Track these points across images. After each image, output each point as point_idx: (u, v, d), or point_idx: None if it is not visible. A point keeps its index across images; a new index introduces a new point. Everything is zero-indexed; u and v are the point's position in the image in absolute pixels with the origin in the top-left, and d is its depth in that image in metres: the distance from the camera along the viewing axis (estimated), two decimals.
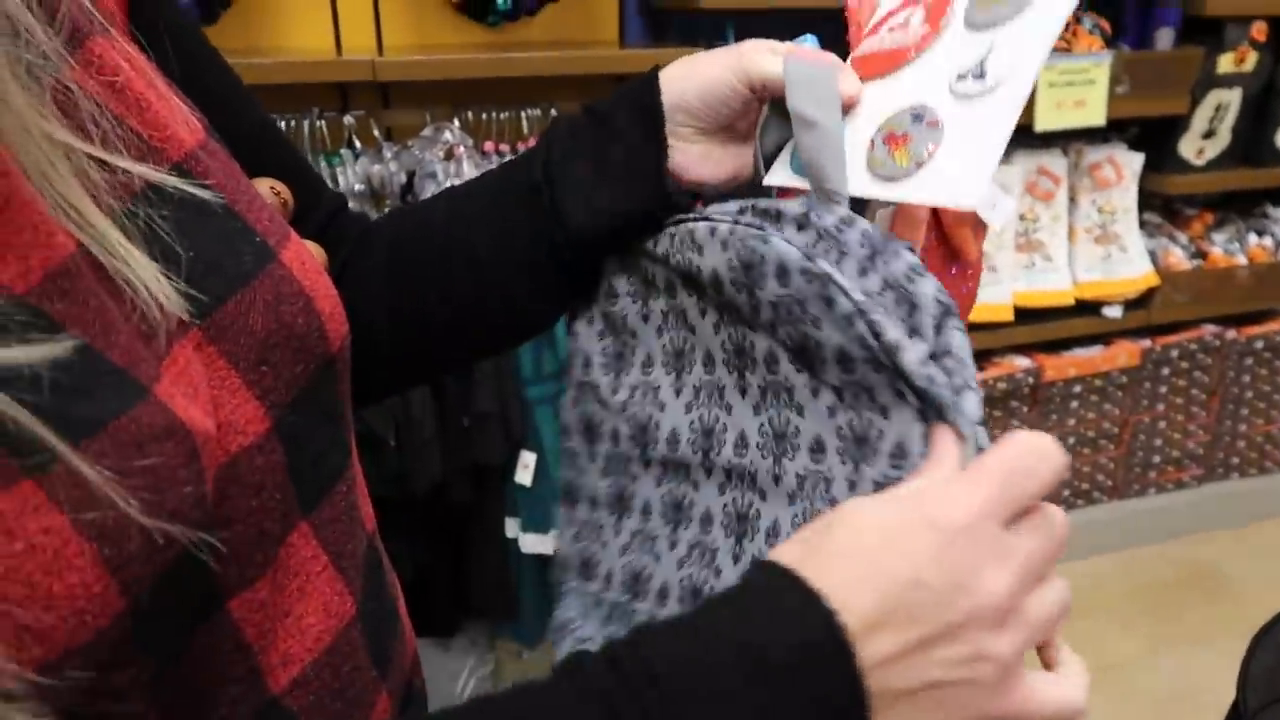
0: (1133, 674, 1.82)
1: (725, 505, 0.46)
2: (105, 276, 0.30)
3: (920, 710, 0.32)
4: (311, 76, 1.38)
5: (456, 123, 1.49)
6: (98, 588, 0.27)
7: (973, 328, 1.79)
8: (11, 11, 0.30)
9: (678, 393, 0.49)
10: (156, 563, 0.28)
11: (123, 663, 0.28)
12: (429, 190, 1.45)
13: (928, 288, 0.39)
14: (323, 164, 1.43)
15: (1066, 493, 2.10)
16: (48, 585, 0.26)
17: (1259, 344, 2.15)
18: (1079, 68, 1.75)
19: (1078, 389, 2.02)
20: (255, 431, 0.34)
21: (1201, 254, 2.11)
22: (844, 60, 0.50)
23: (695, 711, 0.31)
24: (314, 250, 0.48)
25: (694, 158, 0.49)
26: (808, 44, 0.52)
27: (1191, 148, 2.00)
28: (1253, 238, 2.15)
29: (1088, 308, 1.99)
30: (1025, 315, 1.94)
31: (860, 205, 0.46)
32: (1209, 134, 2.00)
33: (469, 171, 1.46)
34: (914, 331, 0.38)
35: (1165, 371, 2.10)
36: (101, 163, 0.32)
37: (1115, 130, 1.97)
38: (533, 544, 1.55)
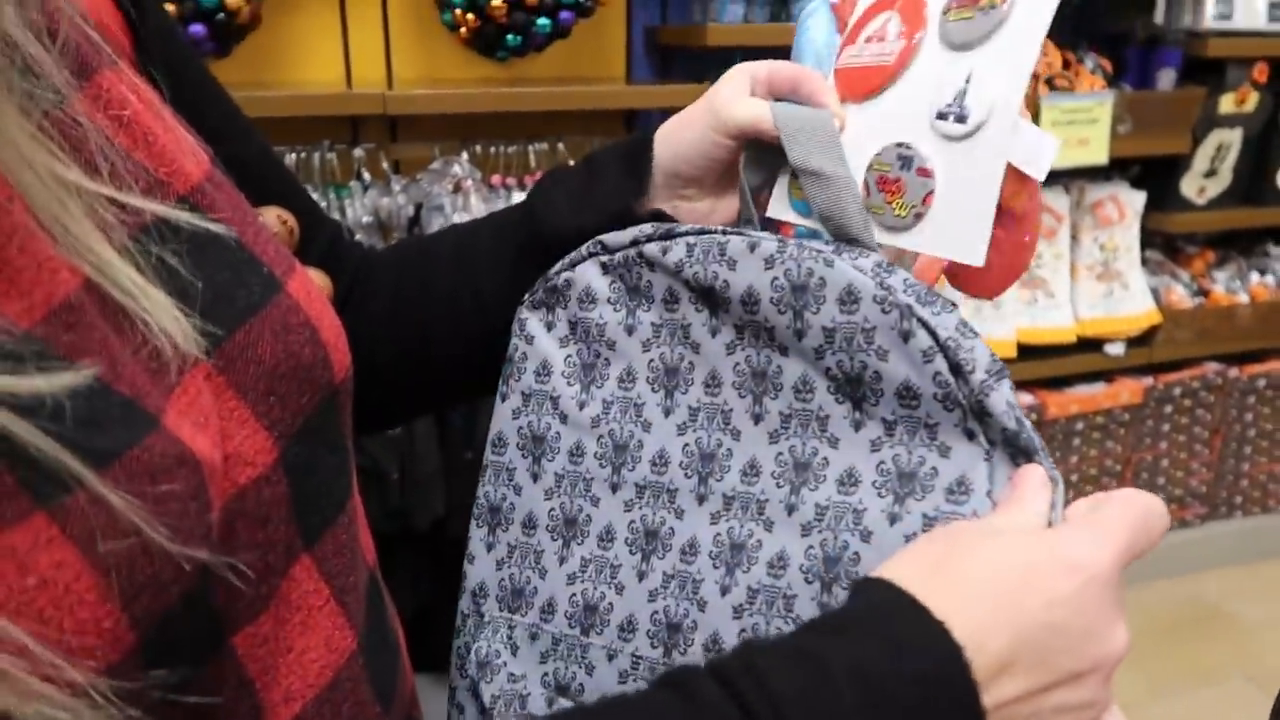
0: (1136, 713, 1.80)
1: (717, 534, 0.44)
2: (110, 310, 0.31)
3: None
4: (322, 110, 1.39)
5: (465, 156, 1.50)
6: (108, 623, 0.27)
7: None
8: (21, 45, 0.30)
9: (667, 413, 0.46)
10: (166, 598, 0.28)
11: (128, 699, 0.28)
12: (435, 223, 1.46)
13: (980, 346, 0.39)
14: (331, 196, 1.44)
15: None
16: (59, 620, 0.26)
17: (1261, 382, 2.15)
18: (1082, 107, 1.76)
19: (1080, 426, 2.02)
20: (263, 463, 0.34)
21: (1203, 292, 2.12)
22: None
23: None
24: (318, 278, 0.49)
25: (702, 213, 0.51)
26: (821, 12, 0.52)
27: (1193, 187, 2.01)
28: (1254, 276, 2.16)
29: (1090, 345, 1.99)
30: (1028, 352, 1.94)
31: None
32: (1211, 173, 2.01)
33: (476, 205, 1.47)
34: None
35: (1168, 409, 2.10)
36: (111, 198, 0.32)
37: (1117, 169, 1.99)
38: None
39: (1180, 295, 2.07)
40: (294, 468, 0.36)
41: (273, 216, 0.47)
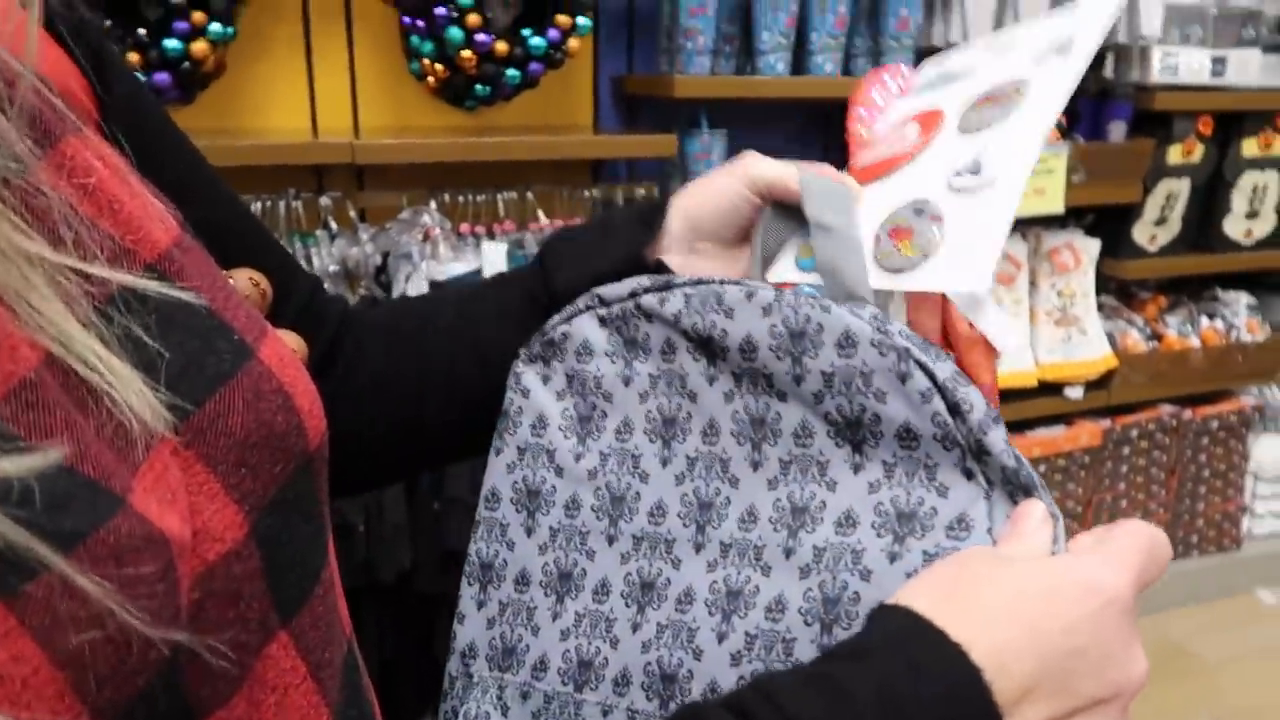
0: None
1: (714, 582, 0.44)
2: (73, 386, 0.29)
3: None
4: (289, 159, 1.38)
5: (433, 205, 1.50)
6: (68, 718, 0.25)
7: None
8: None
9: (665, 463, 0.46)
10: (131, 687, 0.27)
11: None
12: (403, 272, 1.45)
13: (975, 394, 0.40)
14: (298, 244, 1.42)
15: None
16: (15, 716, 0.25)
17: (1214, 424, 2.20)
18: (1039, 158, 1.81)
19: (1042, 469, 2.05)
20: (233, 538, 0.33)
21: (1157, 336, 2.17)
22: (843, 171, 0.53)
23: None
24: (292, 341, 0.48)
25: (713, 271, 0.51)
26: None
27: (1145, 234, 2.07)
28: (1204, 320, 2.22)
29: (1050, 389, 2.03)
30: None
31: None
32: (1161, 221, 2.07)
33: (445, 254, 1.46)
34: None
35: (1125, 451, 2.13)
36: (75, 269, 0.31)
37: (1073, 217, 2.04)
38: None
39: (1135, 339, 2.12)
40: (266, 540, 0.35)
41: (244, 279, 0.46)
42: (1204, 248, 2.14)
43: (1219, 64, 1.96)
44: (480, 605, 0.50)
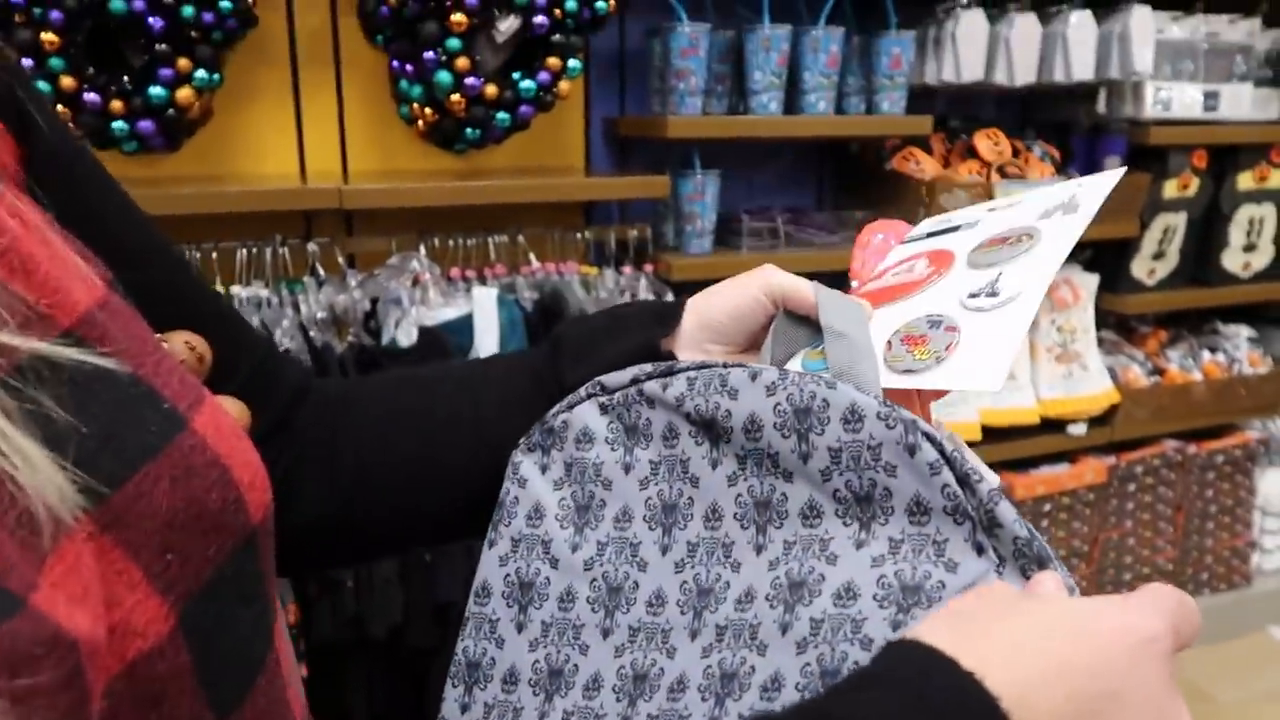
0: None
1: (708, 667, 0.42)
2: None
3: None
4: (276, 205, 1.36)
5: (423, 249, 1.47)
6: None
7: None
8: None
9: (664, 550, 0.45)
10: None
11: None
12: (393, 317, 1.42)
13: (988, 472, 0.39)
14: (284, 291, 1.40)
15: None
16: None
17: (1219, 458, 2.17)
18: None
19: (1047, 507, 2.01)
20: (156, 633, 0.30)
21: (1159, 370, 2.15)
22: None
23: None
24: (234, 409, 0.45)
25: None
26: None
27: (1143, 268, 2.05)
28: (1205, 354, 2.20)
29: (1052, 425, 2.00)
30: (992, 434, 1.94)
31: None
32: (1159, 255, 2.06)
33: (435, 298, 1.43)
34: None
35: (1131, 488, 2.10)
36: None
37: (1070, 252, 2.02)
38: None
39: (1137, 374, 2.10)
40: (197, 631, 0.32)
41: (179, 343, 0.43)
42: (1202, 281, 2.12)
43: (1211, 98, 1.95)
44: (464, 709, 0.48)
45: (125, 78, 1.26)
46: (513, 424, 0.51)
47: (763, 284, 0.51)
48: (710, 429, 0.45)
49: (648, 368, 0.48)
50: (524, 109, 1.46)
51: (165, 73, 1.25)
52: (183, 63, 1.26)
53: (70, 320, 0.32)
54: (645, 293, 1.60)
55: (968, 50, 1.73)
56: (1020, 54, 1.75)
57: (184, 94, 1.27)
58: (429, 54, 1.39)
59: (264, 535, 0.36)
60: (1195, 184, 2.02)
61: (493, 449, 0.51)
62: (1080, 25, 1.76)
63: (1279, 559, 2.31)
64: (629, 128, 1.73)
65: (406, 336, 1.41)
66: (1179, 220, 2.04)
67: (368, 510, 0.51)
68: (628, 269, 1.61)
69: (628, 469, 0.47)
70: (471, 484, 0.51)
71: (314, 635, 1.34)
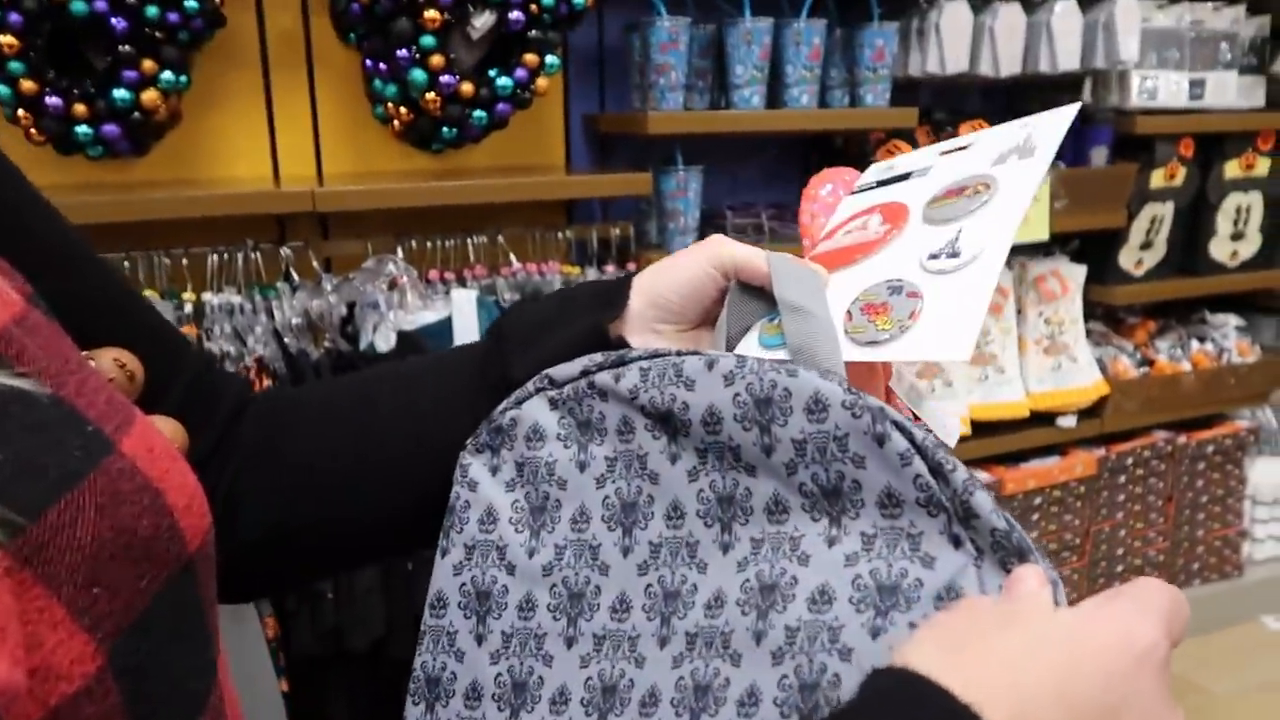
0: None
1: (680, 679, 0.40)
2: None
3: None
4: (248, 208, 1.32)
5: (400, 252, 1.44)
6: None
7: None
8: None
9: (626, 552, 0.43)
10: None
11: None
12: (370, 322, 1.39)
13: (957, 462, 0.37)
14: (258, 297, 1.36)
15: None
16: None
17: (1210, 448, 2.16)
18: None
19: (1038, 501, 2.00)
20: (82, 674, 0.28)
21: (1148, 361, 2.13)
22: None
23: None
24: (169, 430, 0.42)
25: None
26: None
27: (1130, 259, 2.04)
28: (1194, 344, 2.19)
29: (1042, 418, 1.99)
30: (981, 429, 1.92)
31: None
32: (1146, 245, 2.04)
33: (414, 302, 1.40)
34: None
35: (1121, 479, 2.09)
36: None
37: (1057, 244, 2.01)
38: None
39: (1126, 365, 2.09)
40: (128, 670, 0.29)
41: (108, 360, 0.40)
42: (1190, 271, 2.11)
43: (1197, 86, 1.94)
44: None
45: (88, 81, 1.23)
46: (456, 422, 0.48)
47: (712, 256, 0.48)
48: (667, 422, 0.43)
49: (598, 358, 0.45)
50: (501, 107, 1.43)
51: (129, 75, 1.22)
52: (147, 64, 1.23)
53: None
54: None
55: (952, 41, 1.71)
56: (1005, 44, 1.73)
57: (149, 96, 1.24)
58: (402, 52, 1.35)
59: (203, 563, 0.34)
60: (1182, 173, 2.01)
61: (436, 450, 0.48)
62: (1065, 14, 1.74)
63: (1270, 548, 2.30)
64: (609, 124, 1.70)
65: (385, 341, 1.38)
66: (1166, 210, 2.02)
67: (311, 521, 0.49)
68: (611, 268, 1.58)
69: (582, 466, 0.45)
70: (417, 488, 0.49)
71: (294, 648, 1.31)
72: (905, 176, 0.53)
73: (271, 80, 1.52)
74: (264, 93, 1.52)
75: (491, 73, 1.41)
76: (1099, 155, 1.95)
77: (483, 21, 1.39)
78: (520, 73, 1.41)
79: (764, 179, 1.89)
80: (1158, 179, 1.98)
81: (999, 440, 1.94)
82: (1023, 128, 0.49)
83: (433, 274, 1.47)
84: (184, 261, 1.34)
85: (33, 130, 1.22)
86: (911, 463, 0.36)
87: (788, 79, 1.64)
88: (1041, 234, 1.81)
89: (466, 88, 1.39)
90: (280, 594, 1.23)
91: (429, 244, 1.48)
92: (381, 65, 1.39)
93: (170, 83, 1.25)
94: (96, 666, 0.28)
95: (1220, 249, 2.11)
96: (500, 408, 0.47)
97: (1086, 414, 2.02)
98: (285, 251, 1.40)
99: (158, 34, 1.22)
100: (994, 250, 0.43)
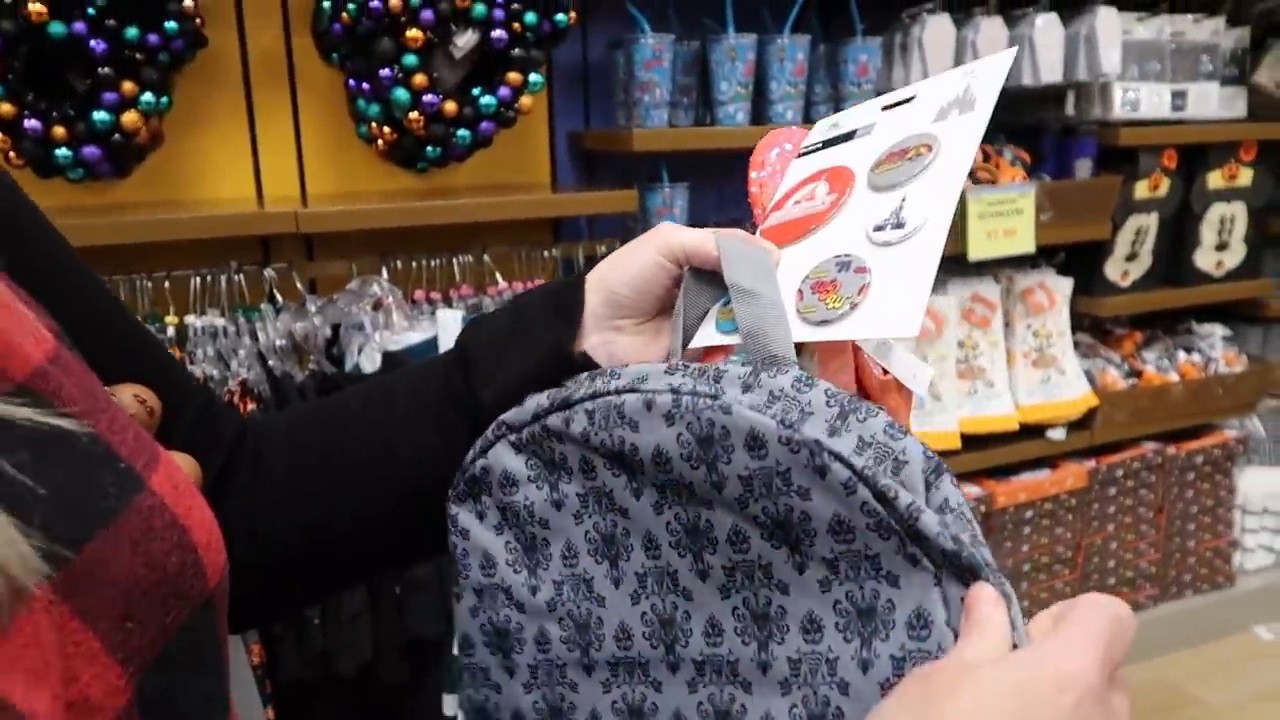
0: None
1: (700, 703, 0.42)
2: None
3: None
4: (230, 230, 1.31)
5: (385, 273, 1.43)
6: None
7: None
8: None
9: (617, 583, 0.45)
10: None
11: None
12: (356, 343, 1.38)
13: (913, 444, 0.37)
14: (242, 319, 1.35)
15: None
16: None
17: (1199, 459, 2.16)
18: (1007, 198, 1.78)
19: (1029, 514, 1.99)
20: (114, 706, 0.29)
21: (1136, 372, 2.14)
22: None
23: None
24: (186, 465, 0.43)
25: (637, 348, 0.49)
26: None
27: (1116, 270, 2.05)
28: (1181, 354, 2.20)
29: (1032, 431, 1.98)
30: (971, 442, 1.92)
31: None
32: (1132, 256, 2.05)
33: (399, 322, 1.39)
34: (904, 488, 0.37)
35: (1112, 491, 2.09)
36: None
37: (1043, 256, 2.01)
38: None
39: (1114, 377, 2.09)
40: (152, 704, 0.30)
41: (128, 396, 0.40)
42: (1176, 281, 2.12)
43: (1179, 98, 1.95)
44: None
45: (68, 103, 1.22)
46: (423, 428, 0.49)
47: (660, 245, 0.47)
48: (622, 461, 0.43)
49: (544, 400, 0.45)
50: (485, 125, 1.42)
51: (109, 97, 1.21)
52: (127, 86, 1.22)
53: (23, 374, 0.30)
54: None
55: (934, 55, 1.72)
56: (986, 57, 1.73)
57: (130, 118, 1.23)
58: (385, 71, 1.35)
59: (220, 598, 0.35)
60: (1166, 184, 2.02)
61: (404, 457, 0.49)
62: (1047, 28, 1.75)
63: (1261, 558, 2.30)
64: (594, 142, 1.70)
65: (370, 363, 1.37)
66: (1151, 221, 2.03)
67: (294, 527, 0.49)
68: None
69: (558, 505, 0.46)
70: (391, 496, 0.50)
71: (280, 674, 1.29)
72: (851, 135, 0.53)
73: (254, 101, 1.52)
74: (246, 113, 1.51)
75: (475, 91, 1.41)
76: (1083, 168, 1.96)
77: (465, 40, 1.38)
78: (504, 91, 1.41)
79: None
80: (1142, 190, 1.99)
81: (989, 454, 1.94)
82: (964, 76, 0.49)
83: (418, 294, 1.46)
84: (166, 284, 1.33)
85: (11, 154, 1.21)
86: (856, 490, 0.37)
87: (772, 95, 1.64)
88: (1028, 247, 1.81)
89: (450, 107, 1.38)
90: (270, 622, 1.22)
91: (414, 264, 1.47)
92: (364, 85, 1.38)
93: (151, 104, 1.24)
94: (126, 699, 0.29)
95: (1205, 259, 2.12)
96: (469, 458, 0.48)
97: (1076, 426, 2.03)
98: (269, 273, 1.39)
99: (138, 55, 1.22)
100: (937, 219, 0.43)
